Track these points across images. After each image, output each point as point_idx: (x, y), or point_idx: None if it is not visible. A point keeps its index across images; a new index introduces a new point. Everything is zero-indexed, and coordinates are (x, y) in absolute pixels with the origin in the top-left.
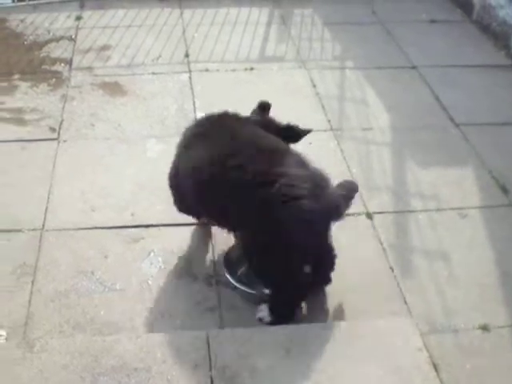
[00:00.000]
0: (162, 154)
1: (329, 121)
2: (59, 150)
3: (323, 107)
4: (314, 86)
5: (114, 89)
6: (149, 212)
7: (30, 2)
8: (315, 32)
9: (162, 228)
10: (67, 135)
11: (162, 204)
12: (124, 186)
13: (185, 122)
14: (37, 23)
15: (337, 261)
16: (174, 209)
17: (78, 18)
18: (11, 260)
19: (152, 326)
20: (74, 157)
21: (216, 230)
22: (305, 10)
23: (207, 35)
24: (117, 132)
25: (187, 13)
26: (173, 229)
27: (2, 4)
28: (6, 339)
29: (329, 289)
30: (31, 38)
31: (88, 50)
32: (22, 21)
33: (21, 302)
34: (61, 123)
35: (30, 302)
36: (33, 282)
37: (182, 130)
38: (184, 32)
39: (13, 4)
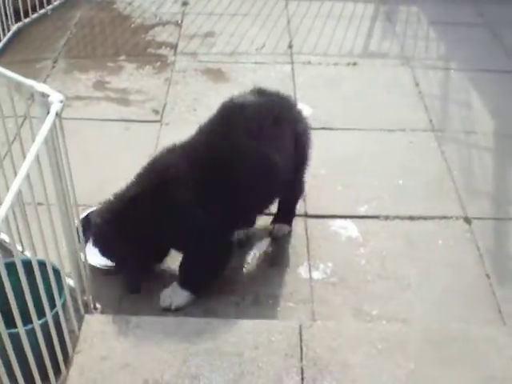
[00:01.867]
0: None
1: (430, 121)
2: (161, 132)
3: (425, 107)
4: (417, 84)
5: (216, 75)
6: None
7: None
8: (420, 30)
9: None
10: (170, 118)
11: None
12: None
13: None
14: (144, 7)
15: (432, 262)
16: None
17: (185, 4)
18: None
19: (244, 313)
20: (175, 140)
21: None
22: (411, 8)
23: (311, 27)
24: None
25: (292, 4)
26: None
27: None
28: (101, 312)
29: (420, 288)
30: (138, 21)
31: (193, 36)
32: (129, 3)
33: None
34: (164, 106)
35: None
36: None
37: None
38: (288, 23)
39: None
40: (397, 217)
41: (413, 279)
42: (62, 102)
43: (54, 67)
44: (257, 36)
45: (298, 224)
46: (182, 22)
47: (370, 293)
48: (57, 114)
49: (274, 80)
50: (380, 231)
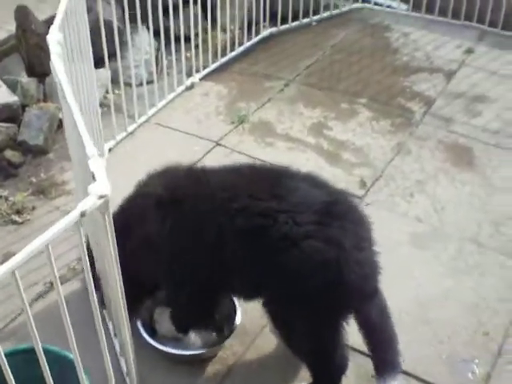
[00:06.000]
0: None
1: None
2: None
3: None
4: None
5: (461, 157)
6: None
7: (427, 16)
8: None
9: None
10: (375, 197)
11: None
12: None
13: None
14: (419, 43)
15: None
16: None
17: (469, 52)
18: None
19: None
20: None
21: None
22: None
23: None
24: (434, 217)
25: None
26: None
27: (393, 9)
28: None
29: None
30: (405, 59)
31: (458, 96)
32: (405, 35)
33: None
34: (377, 179)
35: None
36: None
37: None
38: None
39: (406, 12)
40: None
41: None
42: (102, 197)
43: (281, 90)
44: None
45: None
46: (455, 73)
47: None
48: (82, 215)
49: None
50: None
